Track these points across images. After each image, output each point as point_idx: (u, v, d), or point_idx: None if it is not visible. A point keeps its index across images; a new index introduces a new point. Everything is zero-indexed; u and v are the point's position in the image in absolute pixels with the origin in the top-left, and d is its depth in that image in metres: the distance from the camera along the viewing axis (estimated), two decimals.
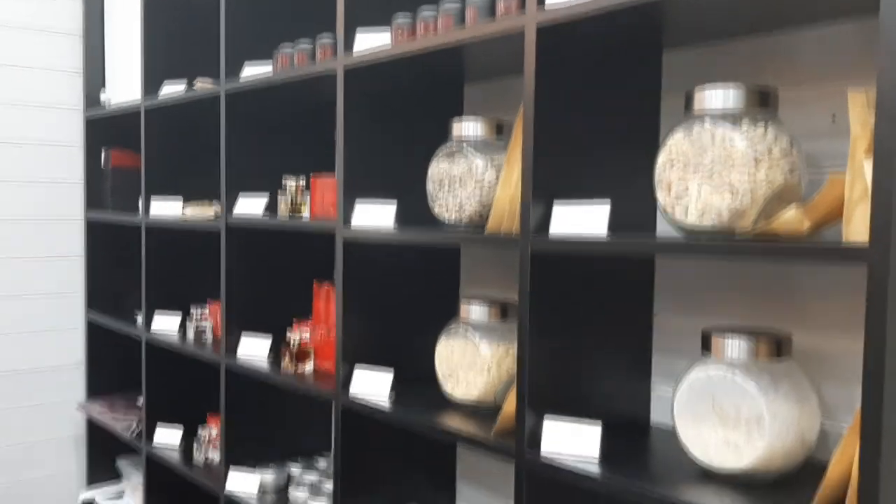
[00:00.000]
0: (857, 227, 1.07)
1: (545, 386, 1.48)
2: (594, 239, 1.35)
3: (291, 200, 2.12)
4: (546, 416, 1.46)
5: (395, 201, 1.81)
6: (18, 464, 3.12)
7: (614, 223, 1.37)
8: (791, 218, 1.14)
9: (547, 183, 1.45)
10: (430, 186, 1.75)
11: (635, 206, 1.56)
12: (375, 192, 1.89)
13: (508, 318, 1.74)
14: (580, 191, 1.47)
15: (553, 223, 1.42)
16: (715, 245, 1.20)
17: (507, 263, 1.95)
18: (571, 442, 1.42)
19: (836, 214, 1.13)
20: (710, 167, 1.23)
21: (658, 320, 1.66)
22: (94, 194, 3.19)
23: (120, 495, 3.10)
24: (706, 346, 1.33)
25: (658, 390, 1.66)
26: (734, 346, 1.29)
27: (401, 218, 1.80)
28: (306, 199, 2.11)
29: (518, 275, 1.46)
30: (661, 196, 1.31)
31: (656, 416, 1.66)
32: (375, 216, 1.82)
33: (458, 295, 2.08)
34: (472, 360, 1.72)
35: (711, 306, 1.57)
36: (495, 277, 2.00)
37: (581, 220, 1.39)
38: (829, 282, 1.39)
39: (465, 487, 2.11)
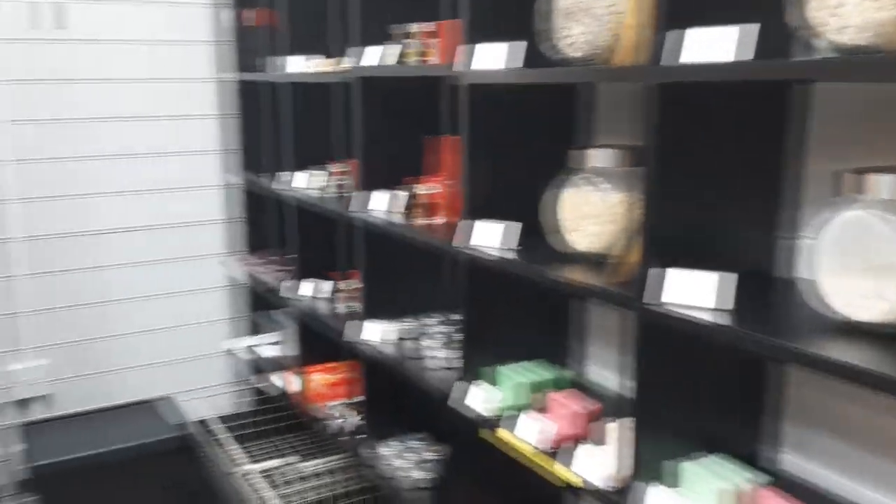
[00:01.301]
0: None
1: (670, 234, 1.39)
2: (734, 63, 1.20)
3: (416, 47, 2.06)
4: (671, 266, 1.36)
5: (524, 43, 1.70)
6: (178, 314, 3.42)
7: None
8: None
9: (680, 6, 1.29)
10: (555, 20, 1.63)
11: (774, 36, 1.36)
12: (501, 34, 1.78)
13: (637, 166, 1.63)
14: (716, 18, 1.29)
15: (685, 52, 1.28)
16: (881, 62, 1.02)
17: (638, 107, 1.81)
18: (697, 292, 1.32)
19: None
20: None
21: (796, 163, 1.48)
22: (228, 55, 3.28)
23: (275, 344, 3.31)
24: (855, 186, 1.17)
25: (793, 240, 1.51)
26: (889, 185, 1.13)
27: (528, 60, 1.69)
28: (432, 46, 2.03)
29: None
30: (813, 11, 1.13)
31: (790, 268, 1.52)
32: (500, 58, 1.73)
33: (584, 142, 1.97)
34: (599, 210, 1.63)
35: (857, 148, 1.37)
36: (625, 123, 1.87)
37: (718, 46, 1.23)
38: None
39: (591, 341, 2.07)
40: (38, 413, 3.23)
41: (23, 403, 3.21)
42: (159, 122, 3.28)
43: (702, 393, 1.47)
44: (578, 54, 1.59)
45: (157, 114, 3.27)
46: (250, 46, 3.15)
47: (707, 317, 1.27)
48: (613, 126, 1.90)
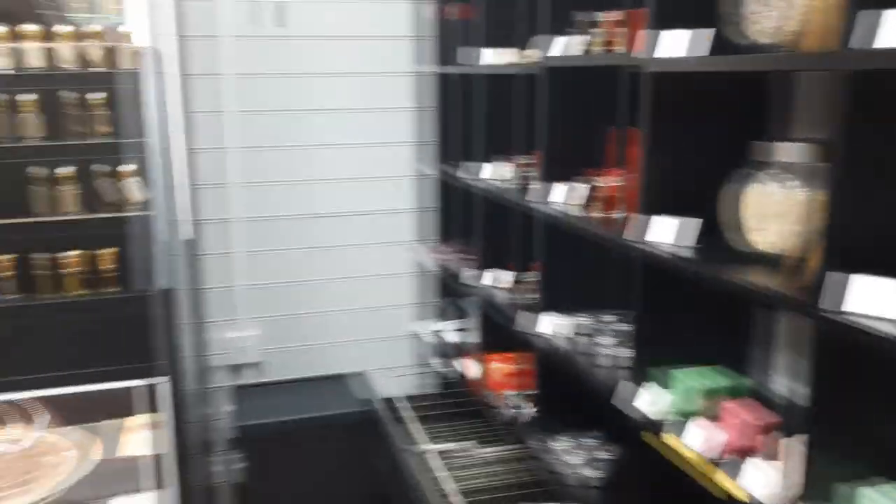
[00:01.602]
0: None
1: (858, 236, 1.26)
2: None
3: (602, 37, 2.02)
4: (857, 271, 1.24)
5: (710, 30, 1.61)
6: (373, 296, 3.62)
7: None
8: None
9: None
10: (744, 4, 1.53)
11: None
12: (687, 20, 1.70)
13: (827, 161, 1.49)
14: None
15: (879, 36, 1.15)
16: None
17: (829, 96, 1.65)
18: (882, 302, 1.19)
19: None
20: None
21: None
22: (427, 48, 3.39)
23: (460, 330, 3.40)
24: None
25: None
26: None
27: (713, 47, 1.61)
28: (618, 35, 1.98)
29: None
30: None
31: None
32: (683, 45, 1.65)
33: (773, 134, 1.83)
34: (784, 209, 1.51)
35: None
36: (820, 114, 1.71)
37: None
38: None
39: (777, 350, 1.92)
40: (248, 378, 3.54)
41: (236, 368, 3.54)
42: (363, 114, 3.46)
43: (887, 413, 1.32)
44: (766, 40, 1.49)
45: (361, 106, 3.46)
46: (449, 40, 3.24)
47: (891, 329, 1.15)
48: (807, 117, 1.75)
